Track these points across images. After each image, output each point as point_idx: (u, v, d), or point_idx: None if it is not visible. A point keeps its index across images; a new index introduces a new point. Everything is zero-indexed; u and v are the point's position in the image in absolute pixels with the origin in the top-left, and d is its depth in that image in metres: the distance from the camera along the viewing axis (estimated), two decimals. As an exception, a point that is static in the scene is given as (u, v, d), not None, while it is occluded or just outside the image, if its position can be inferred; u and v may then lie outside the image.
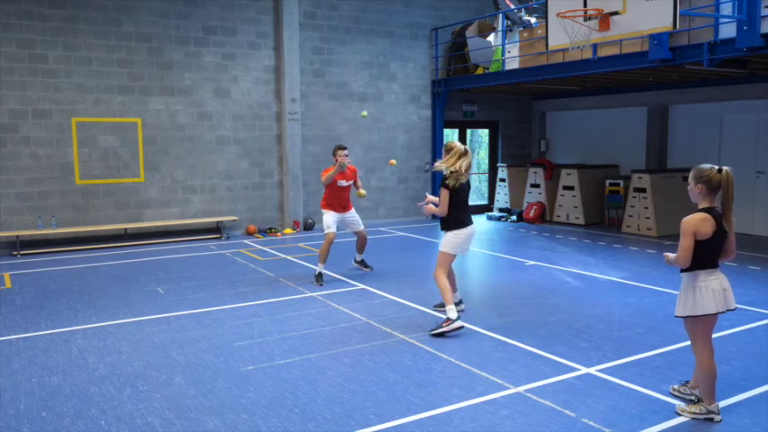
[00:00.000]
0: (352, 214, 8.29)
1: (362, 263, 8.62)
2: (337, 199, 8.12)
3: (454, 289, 6.35)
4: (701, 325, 3.99)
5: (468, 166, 5.99)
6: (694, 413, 4.00)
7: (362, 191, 8.18)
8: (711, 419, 3.96)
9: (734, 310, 4.02)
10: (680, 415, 4.04)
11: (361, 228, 8.35)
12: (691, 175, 3.96)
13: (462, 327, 5.76)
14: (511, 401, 4.30)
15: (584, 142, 14.89)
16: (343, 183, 8.15)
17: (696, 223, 3.85)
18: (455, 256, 6.18)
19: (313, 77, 12.82)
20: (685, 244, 3.85)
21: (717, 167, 3.86)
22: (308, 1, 12.62)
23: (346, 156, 8.02)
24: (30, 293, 7.59)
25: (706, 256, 3.91)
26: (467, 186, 6.11)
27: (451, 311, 5.80)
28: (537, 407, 4.21)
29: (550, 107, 15.71)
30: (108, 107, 10.98)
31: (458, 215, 6.06)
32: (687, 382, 4.37)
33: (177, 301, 7.09)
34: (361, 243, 8.46)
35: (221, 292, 7.49)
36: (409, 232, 12.42)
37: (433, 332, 5.75)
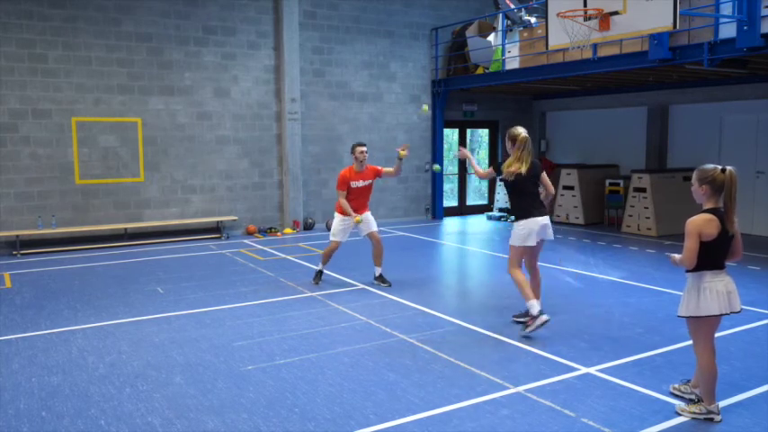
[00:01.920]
0: (366, 216, 7.71)
1: (381, 278, 7.80)
2: (353, 201, 7.58)
3: (537, 295, 5.88)
4: (703, 326, 3.98)
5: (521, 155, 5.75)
6: (694, 413, 4.00)
7: (403, 151, 7.49)
8: (711, 419, 3.96)
9: (738, 312, 3.98)
10: (680, 415, 4.03)
11: (375, 229, 7.72)
12: (694, 176, 3.93)
13: (548, 320, 5.55)
14: (510, 401, 4.30)
15: (584, 142, 14.89)
16: (359, 183, 7.60)
17: (701, 224, 3.83)
18: (524, 249, 5.81)
19: (313, 77, 12.82)
20: (690, 245, 3.83)
21: (720, 167, 3.84)
22: (307, 1, 12.62)
23: (366, 152, 7.51)
24: (29, 293, 7.59)
25: (711, 257, 3.88)
26: (527, 176, 5.74)
27: (533, 307, 5.62)
28: (537, 407, 4.21)
29: (550, 107, 15.70)
30: (108, 107, 10.98)
31: (520, 204, 5.78)
32: (688, 381, 4.36)
33: (177, 301, 7.09)
34: (378, 250, 7.75)
35: (221, 292, 7.49)
36: (409, 232, 12.42)
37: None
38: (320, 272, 7.94)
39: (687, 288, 4.00)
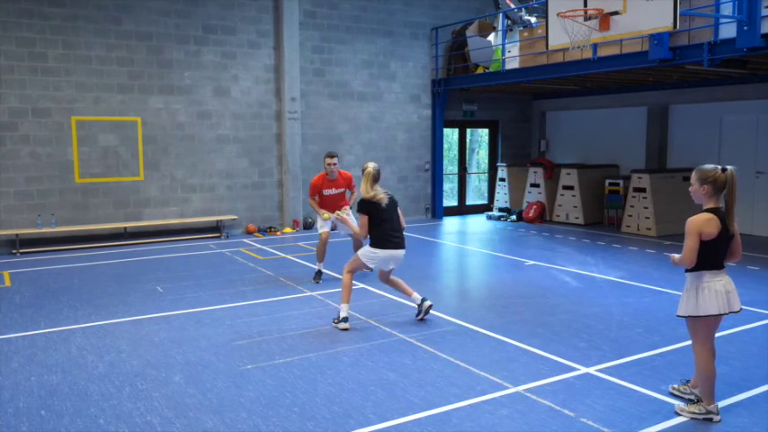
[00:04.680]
0: (350, 215, 7.93)
1: None
2: (329, 207, 7.91)
3: (410, 291, 6.32)
4: (702, 326, 3.98)
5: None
6: (693, 413, 3.99)
7: (347, 211, 7.84)
8: (710, 419, 3.96)
9: (738, 312, 3.98)
10: (679, 415, 4.03)
11: (357, 230, 8.14)
12: (694, 176, 3.93)
13: (347, 328, 5.91)
14: (510, 401, 4.30)
15: (584, 142, 14.89)
16: (332, 191, 7.94)
17: (701, 224, 3.83)
18: (370, 268, 6.31)
19: (313, 76, 12.81)
20: (690, 244, 3.83)
21: (720, 167, 3.85)
22: (308, 0, 12.62)
23: (335, 164, 7.83)
24: (29, 292, 7.58)
25: (711, 256, 3.89)
26: (386, 206, 6.04)
27: (342, 310, 6.00)
28: (536, 406, 4.21)
29: (550, 107, 15.71)
30: (108, 106, 10.97)
31: (376, 233, 6.09)
32: (688, 381, 4.36)
33: (176, 300, 7.09)
34: (357, 246, 8.11)
35: (221, 291, 7.49)
36: (409, 231, 12.33)
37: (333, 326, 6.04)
38: (319, 271, 7.98)
39: (686, 288, 4.00)
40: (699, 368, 4.03)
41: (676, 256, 3.96)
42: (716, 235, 3.82)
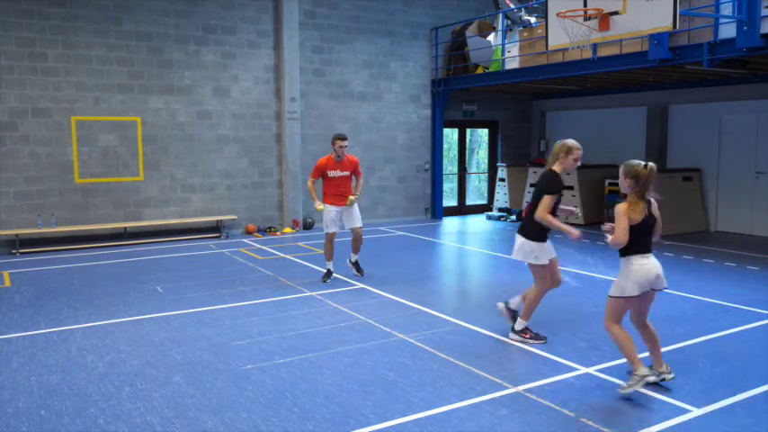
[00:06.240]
0: (355, 209, 7.90)
1: (356, 265, 8.17)
2: (333, 189, 7.82)
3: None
4: (622, 305, 4.36)
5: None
6: (631, 385, 4.25)
7: (353, 197, 7.79)
8: (648, 382, 4.25)
9: (663, 289, 4.43)
10: (622, 394, 4.28)
11: (358, 225, 7.90)
12: (620, 169, 4.37)
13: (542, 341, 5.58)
14: (510, 401, 4.30)
15: (584, 142, 14.60)
16: (337, 173, 7.78)
17: (628, 208, 4.26)
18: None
19: (313, 76, 12.81)
20: (623, 225, 4.23)
21: (644, 163, 4.29)
22: (308, 0, 12.62)
23: (346, 147, 7.72)
24: (29, 292, 7.58)
25: (638, 240, 4.28)
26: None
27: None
28: (536, 406, 4.21)
29: (550, 107, 15.70)
30: (108, 106, 10.97)
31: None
32: (651, 366, 4.53)
33: (176, 300, 7.09)
34: (356, 242, 8.04)
35: (220, 291, 7.49)
36: (408, 232, 12.42)
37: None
38: (329, 271, 7.99)
39: (620, 271, 4.37)
40: (616, 340, 4.38)
41: (610, 237, 4.31)
42: (640, 220, 4.26)
